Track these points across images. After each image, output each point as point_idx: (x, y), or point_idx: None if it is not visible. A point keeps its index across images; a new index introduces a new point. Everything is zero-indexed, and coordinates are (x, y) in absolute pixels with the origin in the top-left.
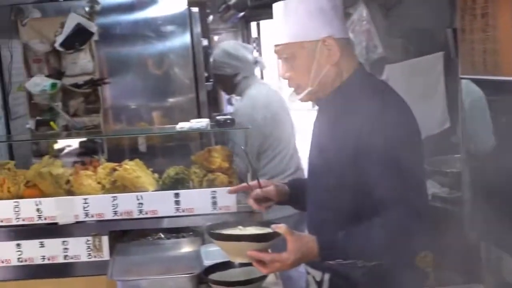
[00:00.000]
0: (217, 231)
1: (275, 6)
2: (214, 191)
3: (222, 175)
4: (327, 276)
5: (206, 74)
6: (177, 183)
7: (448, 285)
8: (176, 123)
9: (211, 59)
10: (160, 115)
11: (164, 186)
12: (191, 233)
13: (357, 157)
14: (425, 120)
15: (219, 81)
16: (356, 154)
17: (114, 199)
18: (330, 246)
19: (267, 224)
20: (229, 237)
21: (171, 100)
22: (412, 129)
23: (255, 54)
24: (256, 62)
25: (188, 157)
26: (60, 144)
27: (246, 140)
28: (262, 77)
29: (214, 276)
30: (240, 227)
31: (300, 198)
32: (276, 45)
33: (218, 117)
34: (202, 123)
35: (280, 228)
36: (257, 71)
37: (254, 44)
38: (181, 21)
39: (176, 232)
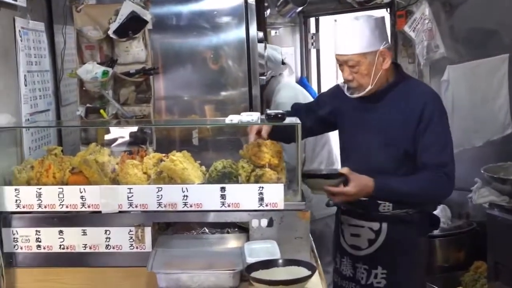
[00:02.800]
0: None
1: (338, 26)
2: (261, 187)
3: (271, 171)
4: (384, 225)
5: (260, 70)
6: (224, 177)
7: None
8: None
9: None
10: (212, 108)
11: (211, 179)
12: (236, 229)
13: (415, 132)
14: (486, 124)
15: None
16: (414, 129)
17: (159, 190)
18: (383, 186)
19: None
20: (311, 175)
21: (223, 93)
22: (446, 113)
23: (284, 56)
24: (284, 63)
25: (238, 151)
26: (112, 134)
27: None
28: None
29: (257, 274)
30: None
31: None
32: (341, 55)
33: (269, 111)
34: (252, 116)
35: (343, 169)
36: (286, 73)
37: (312, 40)
38: (237, 14)
39: (221, 227)
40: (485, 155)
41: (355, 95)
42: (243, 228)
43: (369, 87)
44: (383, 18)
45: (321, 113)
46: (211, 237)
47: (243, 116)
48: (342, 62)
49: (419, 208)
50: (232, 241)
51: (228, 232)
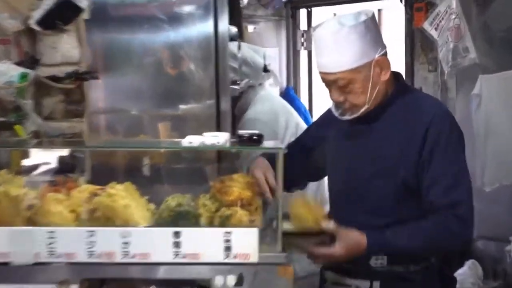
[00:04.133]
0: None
1: (318, 36)
2: (228, 232)
3: (242, 211)
4: (376, 284)
5: (232, 75)
6: (179, 218)
7: None
8: None
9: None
10: (167, 127)
11: (161, 221)
12: None
13: (418, 160)
14: None
15: None
16: (417, 156)
17: (91, 235)
18: (379, 242)
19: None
20: (286, 233)
21: (183, 107)
22: (461, 135)
23: (267, 62)
24: (267, 71)
25: (201, 184)
26: (31, 158)
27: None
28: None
29: None
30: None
31: None
32: (327, 74)
33: (241, 132)
34: (218, 138)
35: (329, 225)
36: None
37: (303, 39)
38: (204, 2)
39: (176, 286)
40: None
41: (347, 117)
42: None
43: (366, 106)
44: (373, 16)
45: (315, 149)
46: None
47: (206, 137)
48: (329, 82)
49: (424, 264)
50: None
51: None
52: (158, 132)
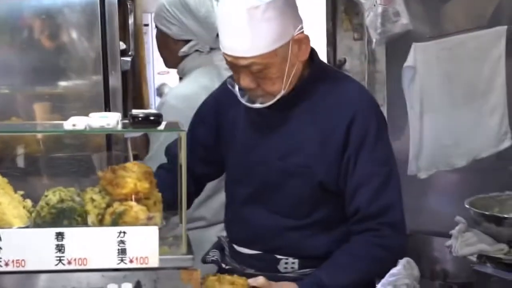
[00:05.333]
0: None
1: (225, 12)
2: (122, 232)
3: (138, 206)
4: None
5: (122, 45)
6: (61, 217)
7: None
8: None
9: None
10: (45, 107)
11: (40, 220)
12: None
13: (339, 159)
14: (472, 134)
15: (160, 41)
16: (336, 154)
17: None
18: None
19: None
20: None
21: (63, 84)
22: (386, 125)
23: None
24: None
25: (88, 176)
26: None
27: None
28: None
29: None
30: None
31: None
32: (237, 58)
33: (134, 112)
34: (108, 119)
35: (258, 281)
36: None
37: None
38: None
39: None
40: (471, 182)
41: (258, 105)
42: None
43: (282, 93)
44: None
45: (208, 141)
46: None
47: (93, 119)
48: (238, 67)
49: None
50: None
51: None
52: (34, 114)
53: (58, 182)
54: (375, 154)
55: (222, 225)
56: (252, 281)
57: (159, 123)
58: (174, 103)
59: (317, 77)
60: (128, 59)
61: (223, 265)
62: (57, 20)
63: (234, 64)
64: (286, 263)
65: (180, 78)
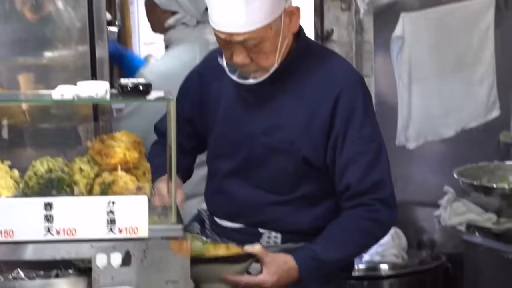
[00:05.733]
0: None
1: None
2: (111, 202)
3: (126, 175)
4: None
5: (109, 15)
6: (49, 187)
7: None
8: None
9: None
10: (30, 78)
11: (28, 190)
12: (71, 269)
13: (324, 136)
14: (461, 104)
15: (148, 7)
16: (322, 131)
17: None
18: (311, 263)
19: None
20: (198, 259)
21: (49, 54)
22: (370, 98)
23: None
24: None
25: (75, 147)
26: None
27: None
28: None
29: None
30: (205, 239)
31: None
32: (230, 34)
33: (123, 81)
34: (96, 89)
35: (255, 248)
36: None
37: None
38: None
39: (48, 267)
40: (459, 152)
41: (251, 81)
42: (84, 269)
43: (275, 67)
44: None
45: (193, 115)
46: (29, 285)
47: (80, 88)
48: (231, 43)
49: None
50: None
51: (57, 276)
52: (18, 85)
53: (45, 153)
54: (363, 131)
55: (201, 197)
56: (249, 248)
57: (148, 93)
58: (151, 79)
59: (303, 53)
60: (115, 29)
61: (203, 238)
62: None
63: (227, 41)
64: (269, 237)
65: (166, 47)
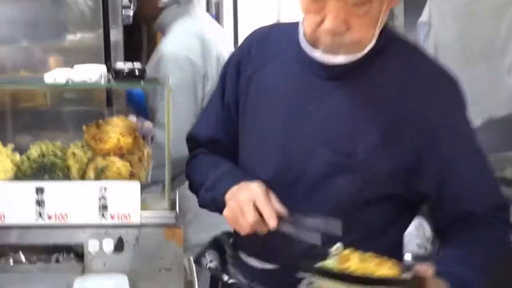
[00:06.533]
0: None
1: None
2: (104, 188)
3: (120, 161)
4: None
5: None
6: (42, 171)
7: None
8: None
9: None
10: (60, 61)
11: (21, 174)
12: (71, 254)
13: (420, 152)
14: (488, 92)
15: (141, 5)
16: (416, 145)
17: None
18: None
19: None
20: (361, 279)
21: (64, 37)
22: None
23: None
24: None
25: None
26: None
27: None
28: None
29: None
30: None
31: None
32: None
33: (119, 65)
34: (90, 73)
35: (427, 271)
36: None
37: None
38: None
39: (50, 251)
40: (486, 142)
41: (340, 60)
42: (82, 254)
43: (372, 44)
44: None
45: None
46: (27, 269)
47: (76, 71)
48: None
49: None
50: (60, 276)
51: (57, 261)
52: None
53: (57, 137)
54: (472, 147)
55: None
56: (421, 269)
57: (142, 77)
58: (170, 62)
59: (388, 46)
60: (130, 13)
61: (224, 277)
62: None
63: None
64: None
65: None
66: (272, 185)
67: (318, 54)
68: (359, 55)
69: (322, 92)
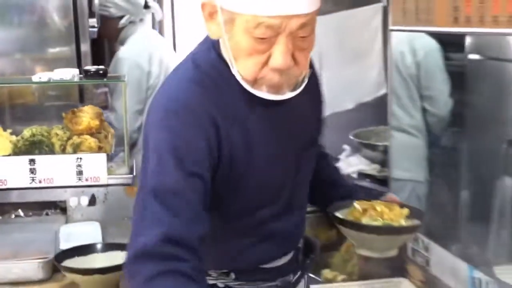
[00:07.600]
0: (346, 217)
1: None
2: (79, 158)
3: (91, 138)
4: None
5: (90, 21)
6: (33, 147)
7: (371, 278)
8: None
9: None
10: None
11: (17, 150)
12: (58, 210)
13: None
14: (359, 84)
15: (103, 26)
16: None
17: None
18: None
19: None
20: (380, 228)
21: (51, 50)
22: None
23: None
24: (147, 7)
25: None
26: None
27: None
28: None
29: (70, 262)
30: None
31: None
32: (290, 18)
33: (87, 67)
34: (66, 74)
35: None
36: (148, 19)
37: None
38: None
39: (41, 208)
40: (357, 119)
41: (286, 95)
42: (64, 209)
43: (307, 73)
44: None
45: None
46: (25, 221)
47: (55, 73)
48: (278, 37)
49: None
50: (49, 225)
51: (47, 214)
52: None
53: (42, 124)
54: None
55: None
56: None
57: (105, 76)
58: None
59: None
60: (95, 30)
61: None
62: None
63: (276, 31)
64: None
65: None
66: (277, 209)
67: (264, 94)
68: (303, 84)
69: (278, 115)
